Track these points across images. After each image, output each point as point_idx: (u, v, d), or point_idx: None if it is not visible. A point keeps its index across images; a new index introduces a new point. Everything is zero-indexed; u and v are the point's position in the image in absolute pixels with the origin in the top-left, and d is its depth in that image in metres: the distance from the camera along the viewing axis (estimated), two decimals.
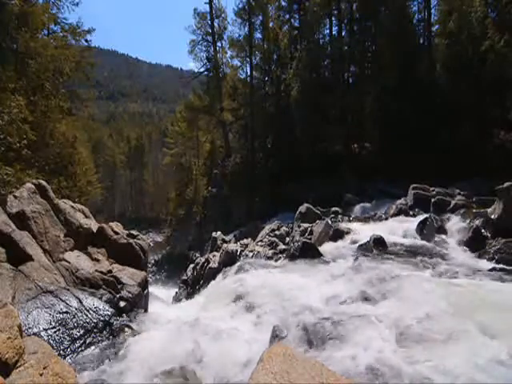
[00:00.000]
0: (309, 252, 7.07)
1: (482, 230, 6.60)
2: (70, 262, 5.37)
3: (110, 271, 5.63)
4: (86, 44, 14.81)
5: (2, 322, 2.42)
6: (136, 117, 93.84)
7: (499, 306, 3.76)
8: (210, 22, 23.42)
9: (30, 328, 3.71)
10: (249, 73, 23.05)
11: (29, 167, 9.36)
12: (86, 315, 4.27)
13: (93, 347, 3.93)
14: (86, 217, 7.17)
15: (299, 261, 6.90)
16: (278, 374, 2.03)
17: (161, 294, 10.63)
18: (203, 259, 10.59)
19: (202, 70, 24.56)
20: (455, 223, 7.41)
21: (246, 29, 22.23)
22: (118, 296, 5.06)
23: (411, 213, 9.24)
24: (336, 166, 16.23)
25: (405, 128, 14.01)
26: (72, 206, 6.95)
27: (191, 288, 9.90)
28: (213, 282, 8.13)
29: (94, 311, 4.39)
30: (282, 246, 8.94)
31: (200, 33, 23.69)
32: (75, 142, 14.18)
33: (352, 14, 19.68)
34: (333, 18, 20.38)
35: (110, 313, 4.51)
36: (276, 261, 7.83)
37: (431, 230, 7.35)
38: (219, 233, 12.45)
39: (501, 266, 5.35)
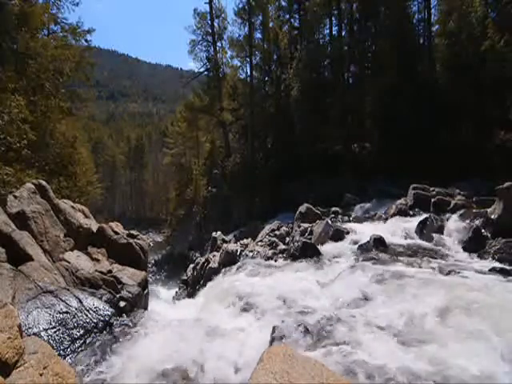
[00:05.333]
0: (309, 252, 7.07)
1: (482, 230, 6.60)
2: (70, 262, 5.37)
3: (110, 271, 5.63)
4: (85, 44, 14.80)
5: (2, 322, 2.42)
6: (136, 117, 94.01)
7: (500, 306, 3.76)
8: (210, 22, 23.42)
9: (30, 328, 3.71)
10: (249, 73, 23.04)
11: (29, 167, 9.37)
12: (86, 315, 4.26)
13: (93, 347, 3.92)
14: (86, 217, 7.17)
15: (299, 261, 6.91)
16: (278, 373, 2.03)
17: (161, 293, 10.65)
18: (203, 259, 10.59)
19: (202, 69, 24.58)
20: (455, 223, 7.40)
21: (246, 29, 22.24)
22: (118, 296, 5.06)
23: (411, 213, 9.23)
24: (336, 166, 16.21)
25: (405, 128, 14.00)
26: (72, 206, 6.95)
27: (191, 288, 9.91)
28: (213, 282, 8.12)
29: (94, 311, 4.39)
30: (282, 246, 8.94)
31: (200, 33, 23.71)
32: (75, 142, 14.18)
33: (352, 13, 19.68)
34: (333, 18, 20.37)
35: (110, 313, 4.51)
36: (276, 261, 7.83)
37: (431, 230, 7.35)
38: (219, 233, 12.45)
39: (501, 265, 5.34)
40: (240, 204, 19.47)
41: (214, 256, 9.94)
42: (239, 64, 24.29)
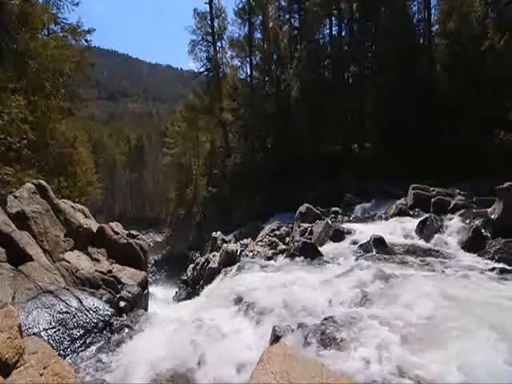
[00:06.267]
0: (309, 252, 7.07)
1: (482, 230, 6.59)
2: (70, 262, 5.37)
3: (110, 271, 5.63)
4: (86, 44, 14.83)
5: (2, 322, 2.42)
6: (136, 117, 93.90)
7: (500, 306, 3.76)
8: (210, 22, 23.42)
9: (29, 328, 3.71)
10: (249, 73, 23.10)
11: (29, 167, 9.36)
12: (86, 315, 4.27)
13: (93, 347, 3.92)
14: (86, 217, 7.16)
15: (299, 261, 6.90)
16: (278, 373, 2.03)
17: (161, 293, 10.65)
18: (203, 259, 10.60)
19: (202, 70, 24.58)
20: (455, 223, 7.40)
21: (246, 29, 22.27)
22: (118, 296, 5.07)
23: (411, 213, 9.24)
24: (336, 166, 16.22)
25: (405, 128, 14.01)
26: (72, 206, 6.95)
27: (191, 288, 9.91)
28: (213, 282, 8.13)
29: (94, 311, 4.39)
30: (282, 246, 8.95)
31: (200, 33, 23.71)
32: (75, 142, 14.19)
33: (352, 13, 19.68)
34: (333, 18, 20.39)
35: (110, 313, 4.51)
36: (276, 261, 7.83)
37: (431, 230, 7.35)
38: (219, 233, 12.47)
39: (501, 265, 5.34)
40: (240, 204, 19.46)
41: (214, 256, 9.95)
42: (239, 64, 24.34)
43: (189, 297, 9.11)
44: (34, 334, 3.61)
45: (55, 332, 3.85)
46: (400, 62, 15.18)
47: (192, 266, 11.37)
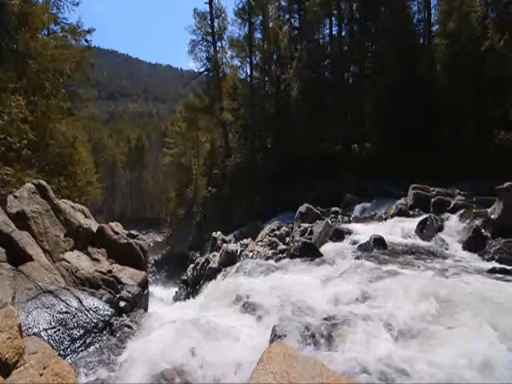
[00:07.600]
0: (309, 252, 7.07)
1: (482, 230, 6.60)
2: (70, 262, 5.37)
3: (110, 271, 5.62)
4: (86, 44, 14.86)
5: (2, 322, 2.42)
6: (136, 117, 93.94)
7: (499, 306, 3.76)
8: (210, 22, 23.45)
9: (29, 328, 3.71)
10: (249, 73, 23.10)
11: (29, 167, 9.36)
12: (86, 315, 4.26)
13: (93, 347, 3.92)
14: (86, 217, 7.16)
15: (299, 261, 6.90)
16: (278, 373, 2.03)
17: (161, 293, 10.65)
18: (203, 259, 10.60)
19: (202, 70, 24.60)
20: (455, 223, 7.40)
21: (246, 29, 22.28)
22: (118, 296, 5.06)
23: (411, 213, 9.24)
24: (336, 166, 16.22)
25: (405, 128, 14.01)
26: (72, 206, 6.94)
27: (191, 288, 9.91)
28: (213, 282, 8.13)
29: (94, 311, 4.39)
30: (282, 246, 8.95)
31: (200, 33, 23.74)
32: (75, 142, 14.20)
33: (352, 13, 19.69)
34: (333, 18, 20.39)
35: (110, 313, 4.51)
36: (276, 261, 7.83)
37: (431, 230, 7.36)
38: (219, 233, 12.46)
39: (501, 265, 5.35)
40: (240, 204, 19.46)
41: (214, 256, 9.95)
42: (239, 64, 24.36)
43: (189, 297, 9.11)
44: (34, 334, 3.61)
45: (55, 332, 3.85)
46: (400, 62, 15.17)
47: (192, 265, 11.37)
